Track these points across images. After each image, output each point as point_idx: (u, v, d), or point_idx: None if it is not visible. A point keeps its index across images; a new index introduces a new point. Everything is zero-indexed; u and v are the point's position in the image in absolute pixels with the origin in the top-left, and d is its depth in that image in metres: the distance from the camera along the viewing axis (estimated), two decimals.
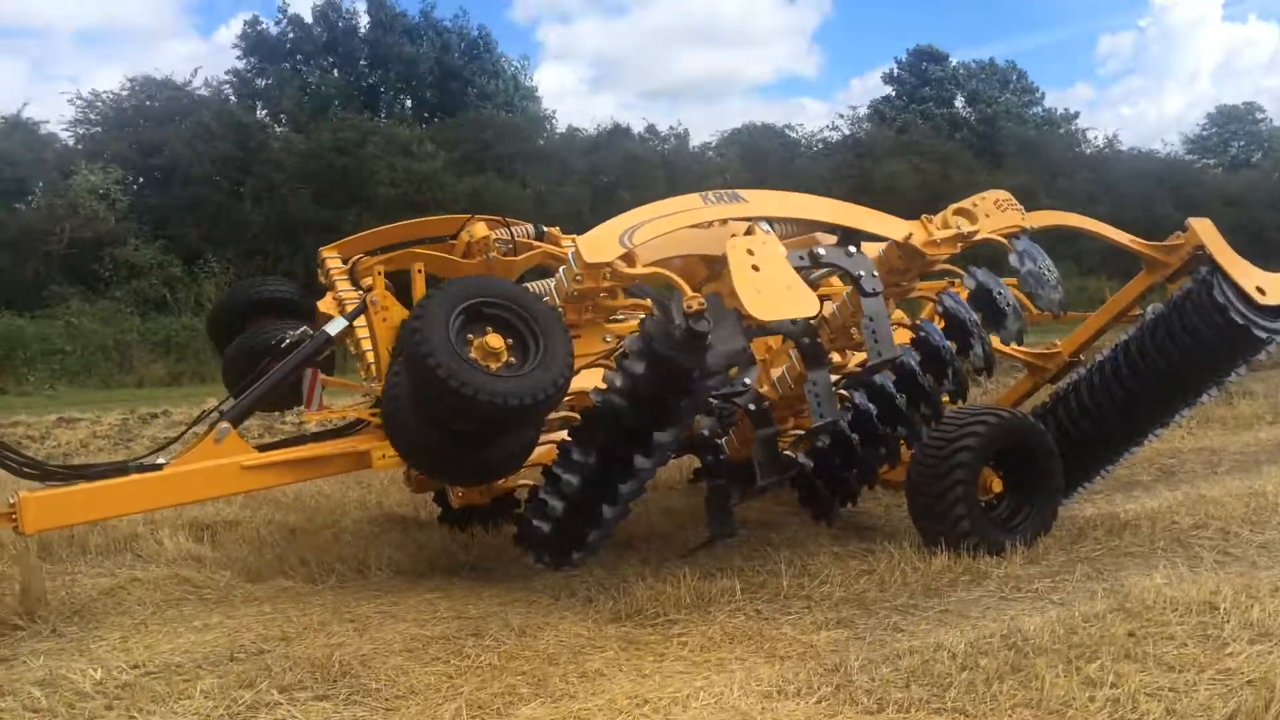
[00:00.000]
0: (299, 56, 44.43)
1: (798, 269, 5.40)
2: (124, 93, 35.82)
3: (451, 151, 36.89)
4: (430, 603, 5.57)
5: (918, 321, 6.30)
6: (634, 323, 5.90)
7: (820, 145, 50.27)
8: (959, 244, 6.13)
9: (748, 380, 5.85)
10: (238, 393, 5.90)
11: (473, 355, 4.85)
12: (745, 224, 5.52)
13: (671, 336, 4.91)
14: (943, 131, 50.41)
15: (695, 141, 48.25)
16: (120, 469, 5.31)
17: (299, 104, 39.84)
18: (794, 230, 6.11)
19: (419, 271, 5.98)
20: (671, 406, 5.09)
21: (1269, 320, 6.63)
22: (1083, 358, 7.56)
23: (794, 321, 5.62)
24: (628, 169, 39.87)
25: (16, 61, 64.43)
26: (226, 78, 42.08)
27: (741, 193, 5.64)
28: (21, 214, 29.17)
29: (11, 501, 4.94)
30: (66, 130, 35.20)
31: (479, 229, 7.00)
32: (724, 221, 5.74)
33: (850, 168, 45.95)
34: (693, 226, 5.59)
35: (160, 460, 5.39)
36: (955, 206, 6.28)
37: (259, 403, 5.73)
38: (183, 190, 32.77)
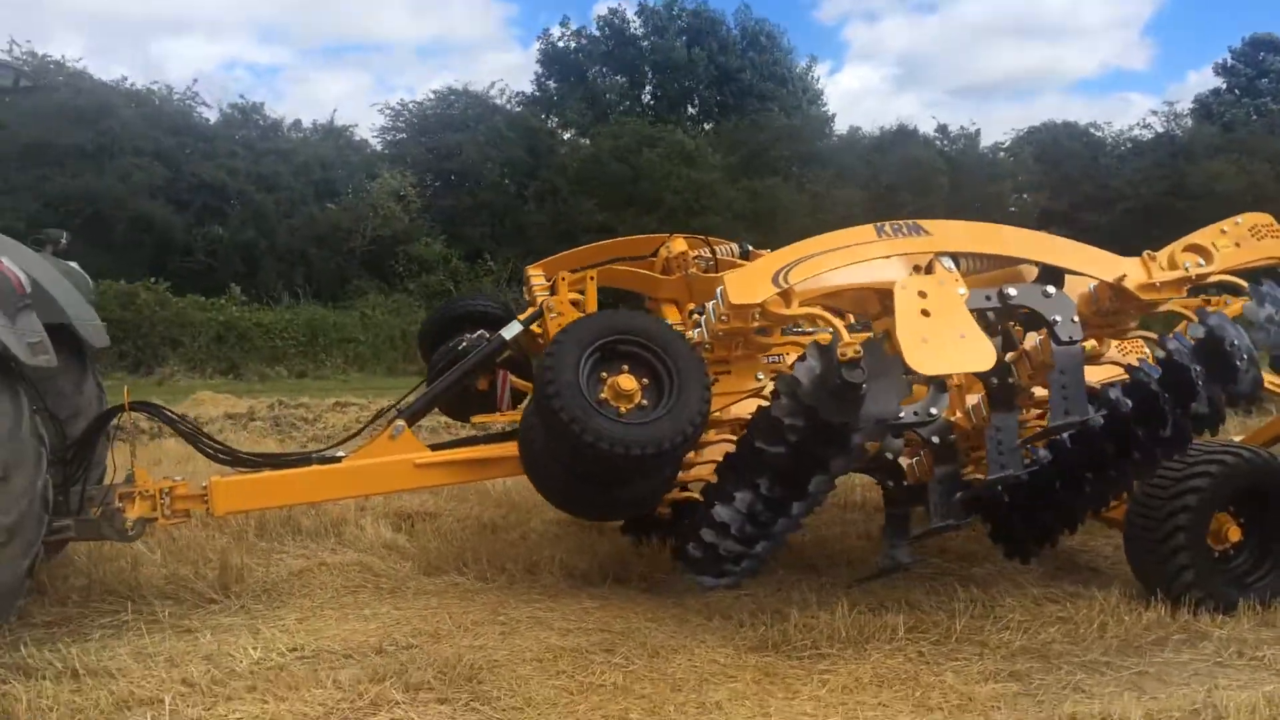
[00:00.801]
0: (585, 66, 46.08)
1: (984, 310, 4.91)
2: (427, 102, 38.59)
3: (729, 156, 37.20)
4: (585, 612, 5.53)
5: (1136, 363, 5.59)
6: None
7: (1129, 145, 46.60)
8: (1184, 288, 5.35)
9: (934, 410, 5.39)
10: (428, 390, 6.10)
11: (604, 395, 4.68)
12: (926, 260, 5.08)
13: (822, 385, 4.56)
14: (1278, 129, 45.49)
15: (988, 141, 46.14)
16: (304, 459, 5.61)
17: (581, 113, 41.35)
18: (987, 266, 5.53)
19: (591, 279, 5.93)
20: (819, 456, 4.77)
21: None
22: None
23: None
24: (909, 171, 38.69)
25: (364, 74, 71.16)
26: (519, 90, 44.39)
27: (923, 224, 5.11)
28: (331, 213, 31.96)
29: (204, 485, 5.32)
30: (376, 136, 38.41)
31: (677, 245, 6.93)
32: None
33: (1163, 169, 42.43)
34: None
35: (340, 453, 5.64)
36: (1190, 240, 5.47)
37: (434, 403, 5.90)
38: (473, 192, 34.90)
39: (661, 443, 4.57)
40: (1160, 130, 45.68)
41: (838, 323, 4.72)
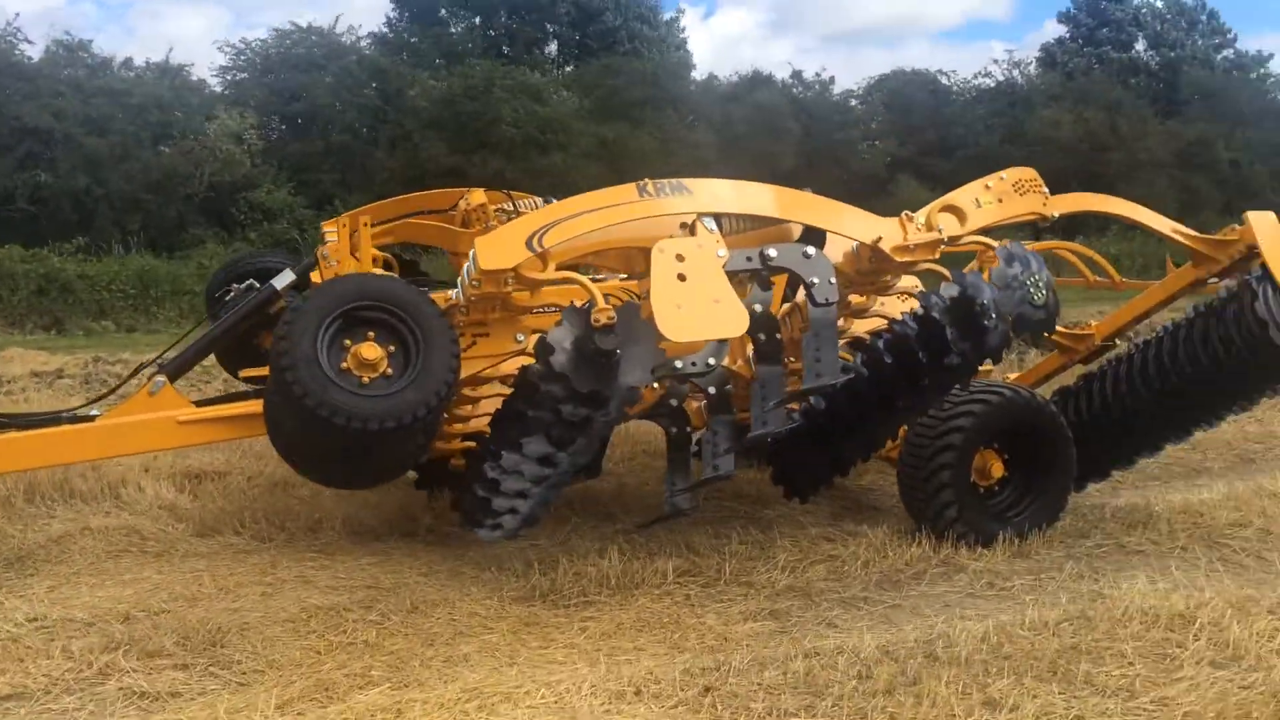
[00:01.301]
0: (439, 4, 44.66)
1: (743, 273, 4.88)
2: (271, 40, 37.01)
3: (585, 99, 36.83)
4: (358, 568, 5.44)
5: (900, 316, 5.67)
6: None
7: (973, 93, 47.95)
8: (937, 250, 5.35)
9: (713, 360, 5.39)
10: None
11: (347, 365, 4.45)
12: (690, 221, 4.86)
13: (577, 351, 4.44)
14: (1116, 77, 47.31)
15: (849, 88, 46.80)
16: (54, 419, 5.32)
17: (435, 54, 40.09)
18: (752, 226, 5.32)
19: (365, 225, 5.74)
20: (579, 419, 4.65)
21: None
22: (1118, 342, 6.82)
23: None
24: (759, 117, 39.03)
25: (222, 11, 67.16)
26: (371, 30, 42.95)
27: (687, 183, 4.90)
28: (166, 157, 30.48)
29: None
30: (216, 76, 36.72)
31: (475, 197, 6.83)
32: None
33: (1002, 117, 43.82)
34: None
35: (95, 411, 5.37)
36: (948, 200, 5.48)
37: (200, 356, 5.67)
38: (324, 136, 33.78)
39: (402, 415, 4.38)
40: (1001, 79, 46.97)
41: (594, 288, 4.60)
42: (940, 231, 5.29)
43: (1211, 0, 51.09)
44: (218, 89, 36.28)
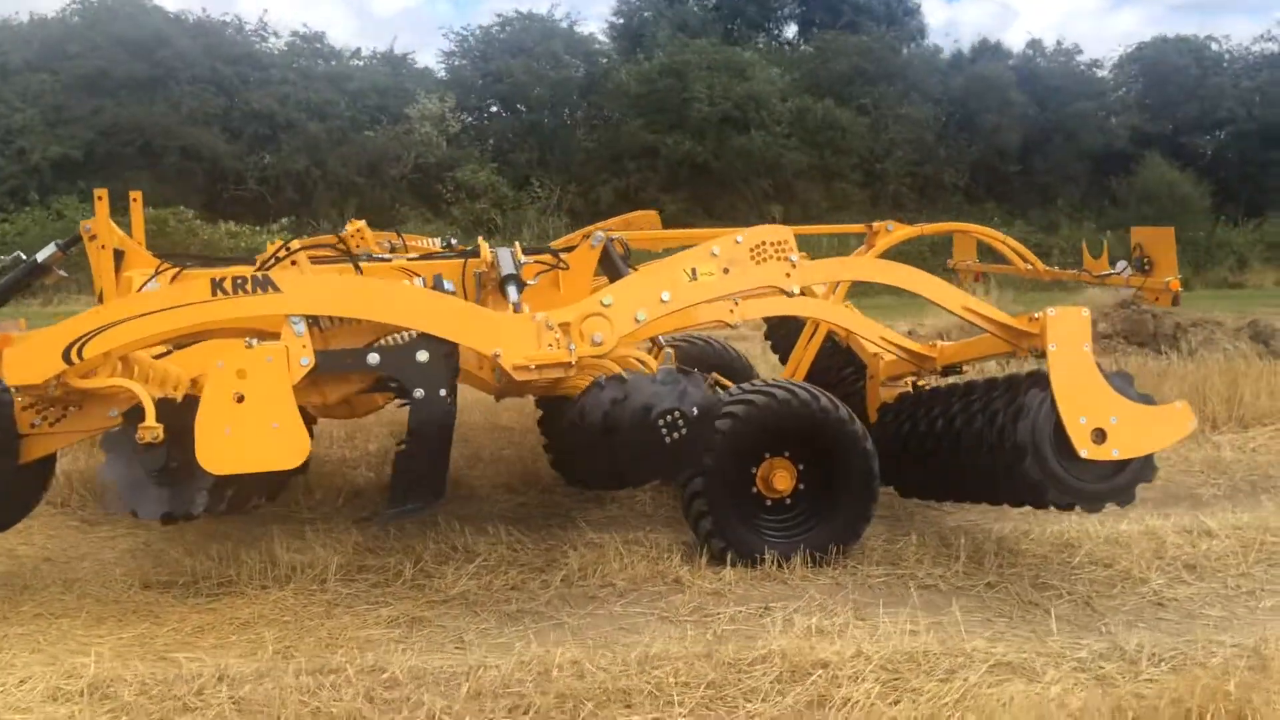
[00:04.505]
0: None
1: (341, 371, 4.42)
2: (493, 26, 38.40)
3: (792, 72, 35.80)
4: (70, 547, 5.43)
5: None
6: None
7: (1251, 60, 42.70)
8: (570, 371, 4.46)
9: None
10: None
11: None
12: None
13: (128, 466, 4.08)
14: None
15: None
16: None
17: (668, 36, 39.88)
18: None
19: (135, 201, 5.64)
20: None
21: (1087, 480, 4.60)
22: (964, 369, 5.77)
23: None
24: (983, 89, 36.57)
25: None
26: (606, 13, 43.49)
27: (276, 279, 4.24)
28: (371, 139, 32.21)
29: None
30: (441, 63, 38.50)
31: (352, 225, 6.69)
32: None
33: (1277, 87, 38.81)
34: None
35: None
36: (594, 305, 4.57)
37: None
38: (522, 117, 34.80)
39: None
40: None
41: (147, 397, 4.08)
42: (572, 351, 4.42)
43: None
44: (441, 74, 37.98)
